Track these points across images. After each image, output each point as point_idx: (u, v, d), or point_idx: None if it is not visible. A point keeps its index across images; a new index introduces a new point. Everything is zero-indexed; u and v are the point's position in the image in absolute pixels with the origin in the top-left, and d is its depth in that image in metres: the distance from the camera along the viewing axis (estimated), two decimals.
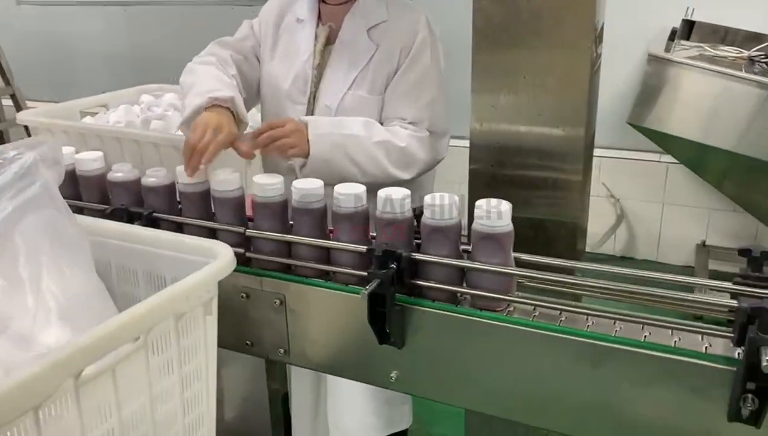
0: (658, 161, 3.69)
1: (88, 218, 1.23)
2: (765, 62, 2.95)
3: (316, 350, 1.26)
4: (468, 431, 1.38)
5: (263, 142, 1.43)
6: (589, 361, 1.05)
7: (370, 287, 1.08)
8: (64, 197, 1.10)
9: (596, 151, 4.38)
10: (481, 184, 1.34)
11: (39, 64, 4.98)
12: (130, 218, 1.32)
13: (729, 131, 2.84)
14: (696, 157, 3.18)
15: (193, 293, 0.96)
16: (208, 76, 1.57)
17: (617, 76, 3.57)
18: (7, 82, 4.48)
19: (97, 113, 2.16)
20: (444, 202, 1.11)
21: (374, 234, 1.20)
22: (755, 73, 2.84)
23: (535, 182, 1.29)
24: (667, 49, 3.15)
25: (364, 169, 1.53)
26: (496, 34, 1.24)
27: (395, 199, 1.13)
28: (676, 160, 3.46)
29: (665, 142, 3.21)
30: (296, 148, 1.48)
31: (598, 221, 3.63)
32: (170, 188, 1.35)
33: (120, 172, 1.39)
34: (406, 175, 1.58)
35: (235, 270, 1.12)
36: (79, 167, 1.44)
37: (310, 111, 1.68)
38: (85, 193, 1.44)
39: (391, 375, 1.19)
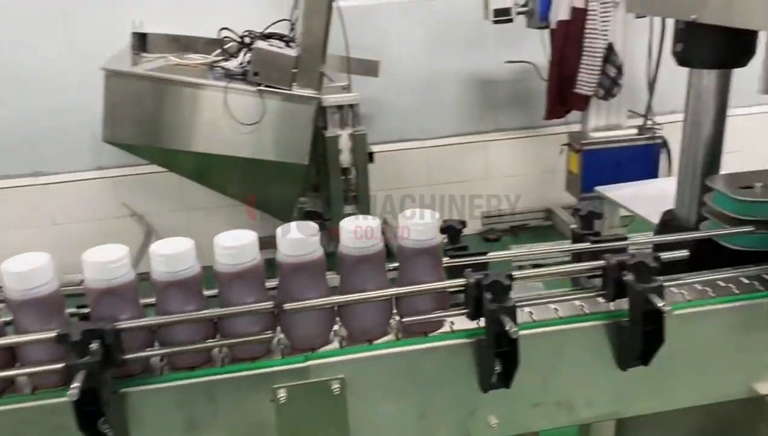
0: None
1: None
2: (222, 66, 3.02)
3: None
4: None
5: None
6: None
7: (75, 384, 0.73)
8: None
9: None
10: None
11: None
12: None
13: (185, 132, 2.89)
14: (166, 161, 3.16)
15: None
16: None
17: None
18: None
19: None
20: None
21: None
22: (215, 78, 2.91)
23: None
24: (134, 63, 3.06)
25: None
26: None
27: None
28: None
29: (139, 153, 3.14)
30: None
31: (130, 242, 3.30)
32: None
33: None
34: None
35: None
36: None
37: None
38: None
39: None
